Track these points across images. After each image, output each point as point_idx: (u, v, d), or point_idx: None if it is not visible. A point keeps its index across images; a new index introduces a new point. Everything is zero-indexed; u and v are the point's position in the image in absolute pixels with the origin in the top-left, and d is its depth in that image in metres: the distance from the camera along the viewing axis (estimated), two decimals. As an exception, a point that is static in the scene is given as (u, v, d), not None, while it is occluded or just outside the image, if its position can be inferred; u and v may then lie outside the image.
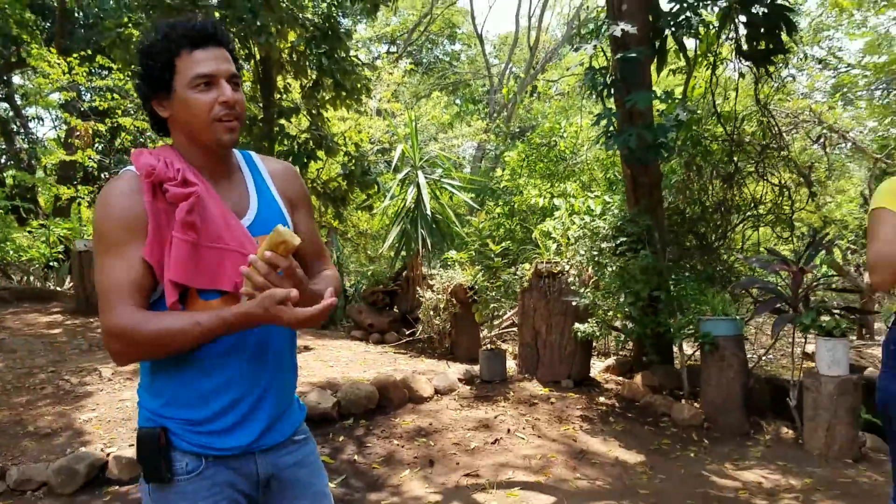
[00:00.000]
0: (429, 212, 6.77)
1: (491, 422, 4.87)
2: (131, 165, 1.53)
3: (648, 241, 5.20)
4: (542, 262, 5.68)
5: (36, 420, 4.52)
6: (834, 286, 6.98)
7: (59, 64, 12.84)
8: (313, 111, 11.57)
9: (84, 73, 13.11)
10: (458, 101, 28.82)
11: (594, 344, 6.17)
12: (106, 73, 14.46)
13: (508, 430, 4.75)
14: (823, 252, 6.34)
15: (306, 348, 6.47)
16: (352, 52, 12.12)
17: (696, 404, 5.28)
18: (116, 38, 11.32)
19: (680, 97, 4.97)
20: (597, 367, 6.29)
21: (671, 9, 4.98)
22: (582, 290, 5.38)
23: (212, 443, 1.50)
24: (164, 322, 1.40)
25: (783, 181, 6.49)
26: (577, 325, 5.41)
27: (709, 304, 5.07)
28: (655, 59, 5.50)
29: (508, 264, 5.85)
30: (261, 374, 1.55)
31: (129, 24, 11.33)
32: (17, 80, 17.58)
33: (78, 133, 17.06)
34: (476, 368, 5.75)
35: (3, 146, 17.10)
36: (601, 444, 4.68)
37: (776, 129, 6.38)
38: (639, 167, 5.25)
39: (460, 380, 5.57)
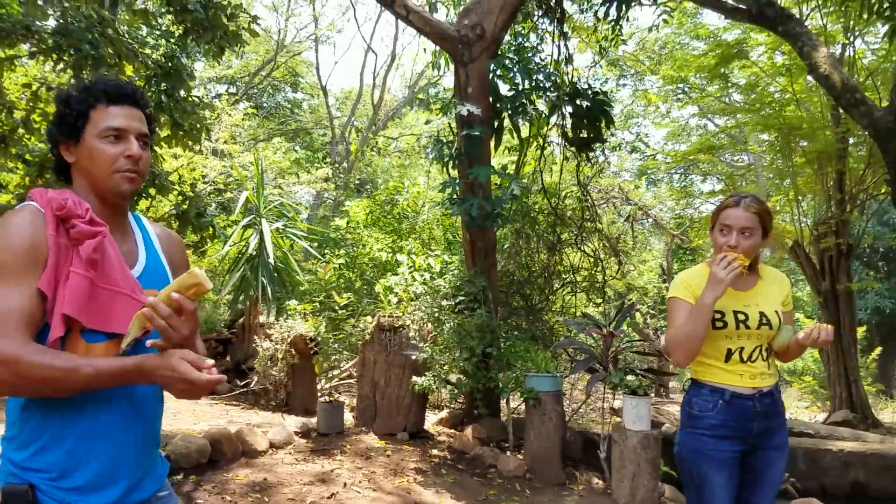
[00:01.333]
0: (271, 260, 6.80)
1: (328, 475, 4.95)
2: (31, 201, 1.57)
3: (483, 300, 5.60)
4: (385, 316, 5.90)
5: None
6: (637, 349, 7.80)
7: None
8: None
9: None
10: (297, 149, 28.75)
11: (429, 397, 6.44)
12: None
13: (345, 484, 4.85)
14: (628, 317, 7.10)
15: (132, 398, 6.19)
16: (193, 92, 11.91)
17: (519, 455, 5.67)
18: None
19: (513, 173, 5.49)
20: (430, 419, 6.55)
21: (510, 94, 5.53)
22: (421, 345, 5.65)
23: (78, 500, 1.51)
24: (59, 357, 1.42)
25: (597, 251, 7.23)
26: (414, 378, 5.66)
27: (533, 360, 5.52)
28: (494, 137, 6.02)
29: (349, 315, 6.01)
30: (133, 427, 1.60)
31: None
32: None
33: None
34: (313, 421, 5.81)
35: None
36: (434, 496, 4.91)
37: (591, 205, 7.14)
38: (477, 232, 5.68)
39: (296, 433, 5.60)
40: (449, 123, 5.28)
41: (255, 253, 6.94)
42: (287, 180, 21.36)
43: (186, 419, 5.67)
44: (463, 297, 5.51)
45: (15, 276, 1.47)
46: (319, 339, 5.86)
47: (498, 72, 5.51)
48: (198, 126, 11.50)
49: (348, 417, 6.09)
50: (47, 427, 1.50)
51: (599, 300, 7.27)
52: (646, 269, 13.73)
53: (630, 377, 5.25)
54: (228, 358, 7.38)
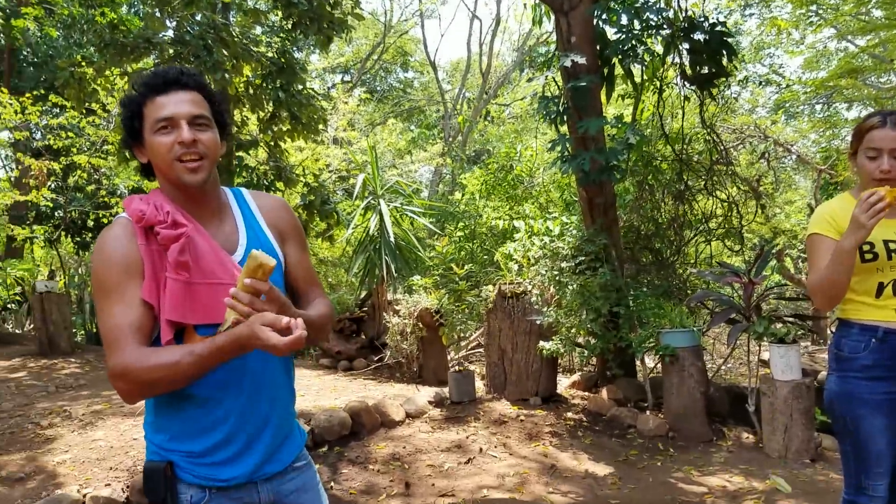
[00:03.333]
0: (392, 239, 6.89)
1: (463, 442, 4.98)
2: (124, 212, 1.61)
3: (606, 258, 5.40)
4: (505, 284, 5.84)
5: (6, 466, 4.47)
6: (787, 295, 7.28)
7: (10, 104, 12.68)
8: (271, 143, 11.65)
9: (37, 113, 12.98)
10: (413, 128, 29.13)
11: (559, 361, 6.33)
12: (58, 111, 14.31)
13: (481, 450, 4.86)
14: (776, 262, 6.63)
15: (276, 379, 6.49)
16: (308, 84, 12.27)
17: (660, 415, 5.46)
18: (70, 76, 11.26)
19: (629, 121, 5.21)
20: (563, 383, 6.44)
21: (618, 38, 5.24)
22: (545, 309, 5.54)
23: (214, 474, 1.57)
24: (161, 355, 1.46)
25: (730, 196, 6.78)
26: (541, 343, 5.57)
27: (667, 316, 5.27)
28: (605, 87, 5.75)
29: (472, 286, 5.99)
30: (257, 406, 1.62)
31: (82, 63, 11.27)
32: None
33: (32, 173, 16.78)
34: (445, 390, 5.86)
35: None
36: (571, 458, 4.82)
37: (722, 146, 6.68)
38: (594, 189, 5.46)
39: (430, 402, 5.67)
40: (553, 78, 5.07)
41: (376, 233, 7.05)
42: (405, 160, 21.73)
43: (328, 395, 5.88)
44: (584, 258, 5.33)
45: (118, 289, 1.52)
46: (443, 310, 5.87)
47: (603, 16, 5.23)
48: (315, 117, 11.90)
49: (480, 385, 6.10)
50: (176, 417, 1.57)
51: (738, 247, 6.82)
52: (792, 209, 12.80)
53: (777, 325, 4.90)
54: (363, 335, 7.59)
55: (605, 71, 5.66)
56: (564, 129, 5.36)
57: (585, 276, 5.30)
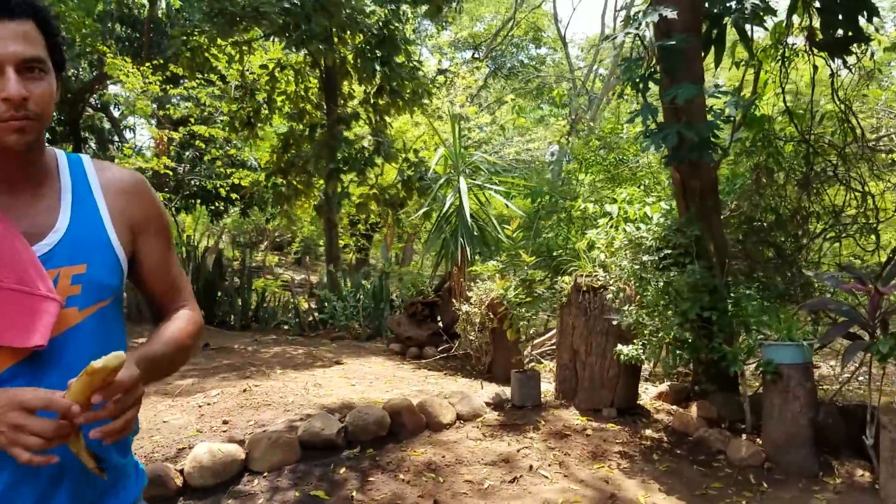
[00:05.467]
0: (469, 218, 6.33)
1: (513, 456, 4.37)
2: None
3: (698, 253, 4.57)
4: (582, 275, 5.13)
5: (33, 438, 4.36)
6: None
7: (132, 73, 13.14)
8: (374, 117, 11.37)
9: (158, 82, 13.38)
10: (543, 105, 28.26)
11: (646, 366, 5.56)
12: (182, 81, 14.73)
13: (531, 467, 4.24)
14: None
15: (337, 363, 6.15)
16: (414, 57, 11.87)
17: (757, 441, 4.60)
18: (182, 46, 11.44)
19: (740, 91, 4.32)
20: (649, 392, 5.66)
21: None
22: (626, 308, 4.79)
23: None
24: None
25: (867, 187, 5.67)
26: (619, 346, 4.84)
27: (771, 325, 4.40)
28: (714, 49, 4.86)
29: (550, 276, 5.33)
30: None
31: (195, 33, 11.41)
32: (114, 89, 18.03)
33: (157, 141, 17.52)
34: (509, 391, 5.26)
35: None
36: (638, 486, 4.10)
37: (859, 128, 5.58)
38: (688, 170, 4.63)
39: (488, 404, 5.09)
40: (640, 37, 4.27)
41: (452, 212, 6.52)
42: (525, 137, 21.01)
43: (381, 386, 5.44)
44: (670, 250, 4.53)
45: None
46: (507, 301, 5.26)
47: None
48: (419, 91, 11.48)
49: (550, 389, 5.44)
50: None
51: (871, 248, 5.72)
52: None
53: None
54: (439, 321, 7.10)
55: (714, 31, 4.77)
56: (654, 97, 4.55)
57: (671, 273, 4.51)
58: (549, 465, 4.29)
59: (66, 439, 1.12)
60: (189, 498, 3.83)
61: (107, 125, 19.26)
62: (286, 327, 8.57)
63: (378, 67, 10.30)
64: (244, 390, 5.01)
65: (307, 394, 5.01)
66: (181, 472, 3.95)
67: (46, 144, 1.36)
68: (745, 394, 4.79)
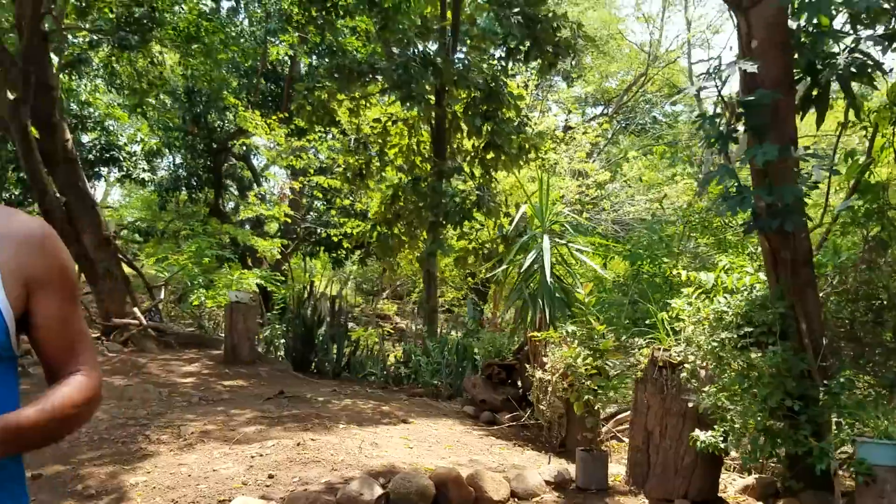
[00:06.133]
0: (549, 278, 6.04)
1: (564, 544, 4.00)
2: None
3: (785, 332, 4.07)
4: (660, 349, 4.71)
5: (87, 478, 4.44)
6: None
7: (260, 126, 13.91)
8: (476, 171, 11.34)
9: (282, 135, 14.09)
10: (675, 162, 27.38)
11: (730, 454, 4.99)
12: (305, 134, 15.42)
13: (581, 559, 3.85)
14: None
15: (404, 421, 5.97)
16: (523, 112, 11.79)
17: (854, 554, 3.96)
18: (304, 99, 11.99)
19: (825, 154, 3.84)
20: (736, 484, 5.06)
21: (823, 43, 3.93)
22: (707, 389, 4.33)
23: None
24: None
25: None
26: (697, 431, 4.36)
27: (869, 421, 3.81)
28: (815, 106, 4.40)
29: (621, 347, 4.94)
30: None
31: (316, 87, 11.92)
32: (258, 140, 19.00)
33: (282, 192, 18.42)
34: (574, 470, 4.86)
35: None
36: None
37: None
38: (778, 239, 4.15)
39: (549, 483, 4.72)
40: (720, 93, 3.90)
41: (533, 272, 6.26)
42: (650, 195, 20.34)
43: (439, 451, 5.20)
44: (751, 328, 4.06)
45: None
46: (574, 372, 4.89)
47: (804, 13, 3.96)
48: (525, 147, 11.37)
49: (620, 472, 4.99)
50: None
51: None
52: None
53: None
54: (518, 385, 6.79)
55: (814, 90, 4.32)
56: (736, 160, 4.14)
57: (751, 354, 4.03)
58: (602, 560, 3.88)
59: None
60: (221, 553, 3.76)
61: (247, 174, 20.47)
62: (372, 379, 8.51)
63: (482, 122, 10.29)
64: (298, 444, 4.93)
65: (359, 453, 4.86)
66: (215, 525, 3.90)
67: None
68: (838, 496, 4.17)
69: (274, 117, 13.94)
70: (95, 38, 12.81)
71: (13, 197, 15.79)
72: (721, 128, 3.78)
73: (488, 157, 10.91)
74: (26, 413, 1.23)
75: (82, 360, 1.40)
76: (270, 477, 4.42)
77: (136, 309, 9.55)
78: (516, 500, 4.53)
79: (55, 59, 13.19)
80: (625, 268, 7.70)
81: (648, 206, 19.81)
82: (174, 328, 10.18)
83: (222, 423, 5.58)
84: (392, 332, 16.22)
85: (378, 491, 4.17)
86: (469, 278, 16.31)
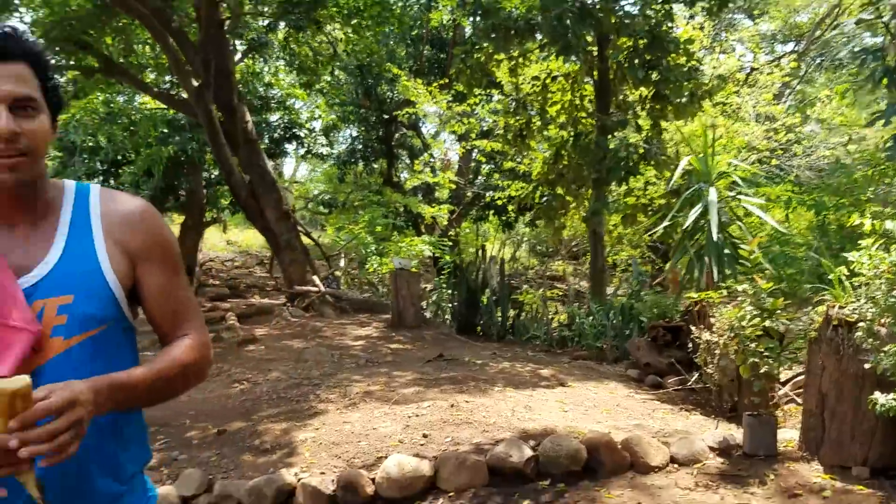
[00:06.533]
0: (716, 235, 5.65)
1: (724, 513, 3.77)
2: None
3: None
4: (835, 307, 4.26)
5: (264, 434, 4.84)
6: None
7: (423, 93, 14.19)
8: (644, 123, 10.80)
9: (444, 101, 14.29)
10: (882, 100, 24.53)
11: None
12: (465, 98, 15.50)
13: (742, 530, 3.62)
14: None
15: (561, 385, 5.90)
16: (694, 57, 11.00)
17: None
18: (461, 63, 12.05)
19: None
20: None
21: None
22: (887, 348, 3.86)
23: None
24: None
25: None
26: (877, 394, 3.91)
27: None
28: None
29: (791, 305, 4.50)
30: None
31: (474, 49, 11.92)
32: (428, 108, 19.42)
33: (445, 158, 18.70)
34: (741, 436, 4.56)
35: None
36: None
37: None
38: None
39: (712, 448, 4.46)
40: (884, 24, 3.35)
41: (699, 228, 5.88)
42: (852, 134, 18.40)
43: (596, 415, 5.09)
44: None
45: None
46: (735, 334, 4.54)
47: None
48: (697, 94, 10.64)
49: (793, 438, 4.61)
50: None
51: None
52: None
53: None
54: (686, 348, 6.45)
55: None
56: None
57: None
58: (766, 531, 3.61)
59: (12, 469, 1.16)
60: (377, 508, 3.95)
61: (417, 142, 21.05)
62: (536, 342, 8.49)
63: (645, 72, 9.75)
64: (452, 405, 5.04)
65: (512, 415, 4.88)
66: (373, 480, 4.09)
67: (56, 179, 1.45)
68: None
69: (435, 84, 14.15)
70: (273, 22, 13.64)
71: (212, 177, 17.36)
72: (887, 62, 3.28)
73: (658, 107, 10.35)
74: (135, 373, 1.34)
75: (188, 327, 1.51)
76: (424, 436, 4.56)
77: (315, 277, 10.21)
78: (676, 465, 4.34)
79: (239, 45, 14.27)
80: (810, 218, 7.02)
81: (845, 149, 17.96)
82: (349, 294, 10.78)
83: (384, 383, 5.84)
84: (564, 294, 16.04)
85: (528, 453, 4.17)
86: (646, 236, 15.71)
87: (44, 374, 1.27)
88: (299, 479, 4.12)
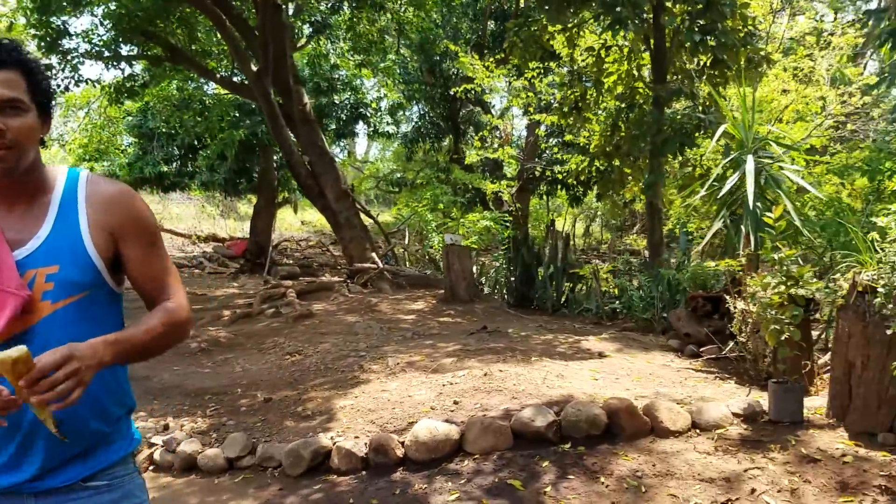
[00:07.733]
0: (751, 204, 5.61)
1: (737, 476, 3.85)
2: None
3: None
4: (862, 273, 4.23)
5: (308, 402, 5.18)
6: None
7: (479, 68, 14.24)
8: (701, 91, 10.57)
9: (500, 76, 14.30)
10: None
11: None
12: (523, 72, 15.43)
13: (753, 491, 3.70)
14: None
15: (599, 355, 6.02)
16: (750, 21, 10.65)
17: None
18: (515, 36, 12.05)
19: None
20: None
21: None
22: (910, 315, 3.85)
23: None
24: None
25: None
26: (901, 361, 3.91)
27: None
28: None
29: (820, 273, 4.46)
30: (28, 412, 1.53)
31: (528, 22, 11.89)
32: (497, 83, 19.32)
33: (505, 133, 18.68)
34: (767, 403, 4.60)
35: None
36: (890, 536, 3.31)
37: None
38: None
39: (736, 415, 4.52)
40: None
41: (736, 197, 5.84)
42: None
43: (625, 383, 5.20)
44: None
45: None
46: (758, 302, 4.55)
47: None
48: (755, 59, 10.34)
49: (822, 405, 4.61)
50: None
51: None
52: None
53: None
54: (726, 318, 6.43)
55: None
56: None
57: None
58: (779, 492, 3.69)
59: (15, 407, 1.45)
60: (407, 469, 4.21)
61: (483, 118, 21.12)
62: (588, 315, 8.57)
63: (700, 38, 9.54)
64: (485, 374, 5.25)
65: (542, 384, 5.05)
66: (402, 444, 4.36)
67: (50, 166, 1.73)
68: None
69: (491, 59, 14.19)
70: (336, 3, 13.92)
71: (283, 159, 17.99)
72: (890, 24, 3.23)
73: (716, 74, 10.13)
74: (124, 332, 1.61)
75: (170, 291, 1.76)
76: (455, 403, 4.80)
77: (373, 254, 10.54)
78: (697, 431, 4.42)
79: (306, 28, 14.65)
80: (863, 184, 6.83)
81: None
82: (406, 270, 11.09)
83: (426, 355, 6.10)
84: (628, 266, 15.91)
85: (550, 418, 4.34)
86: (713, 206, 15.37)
87: (37, 332, 1.55)
88: (335, 443, 4.43)
